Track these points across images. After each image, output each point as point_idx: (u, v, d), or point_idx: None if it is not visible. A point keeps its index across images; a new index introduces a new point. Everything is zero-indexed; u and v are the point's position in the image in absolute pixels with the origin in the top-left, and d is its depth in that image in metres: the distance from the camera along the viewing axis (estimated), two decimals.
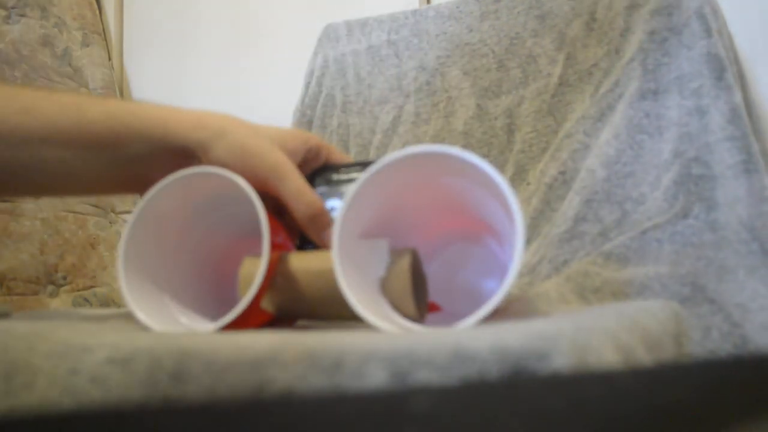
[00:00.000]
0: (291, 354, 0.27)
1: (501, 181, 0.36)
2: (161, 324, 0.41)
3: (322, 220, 0.46)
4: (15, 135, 0.44)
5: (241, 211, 0.44)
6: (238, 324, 0.40)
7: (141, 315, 0.41)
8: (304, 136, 0.50)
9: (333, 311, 0.43)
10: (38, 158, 0.45)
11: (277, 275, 0.43)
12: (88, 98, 0.48)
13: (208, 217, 0.48)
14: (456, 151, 0.37)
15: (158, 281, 0.45)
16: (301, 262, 0.44)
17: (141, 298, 0.42)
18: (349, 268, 0.38)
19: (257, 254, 0.45)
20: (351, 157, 0.53)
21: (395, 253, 0.43)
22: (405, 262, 0.42)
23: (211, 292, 0.49)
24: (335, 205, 0.48)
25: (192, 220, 0.47)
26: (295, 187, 0.46)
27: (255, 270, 0.43)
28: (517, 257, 0.35)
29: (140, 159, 0.46)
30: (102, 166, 0.46)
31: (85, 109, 0.45)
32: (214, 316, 0.47)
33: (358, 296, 0.37)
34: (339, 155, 0.52)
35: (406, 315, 0.41)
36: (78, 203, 1.22)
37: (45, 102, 0.45)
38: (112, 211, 1.28)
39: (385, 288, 0.41)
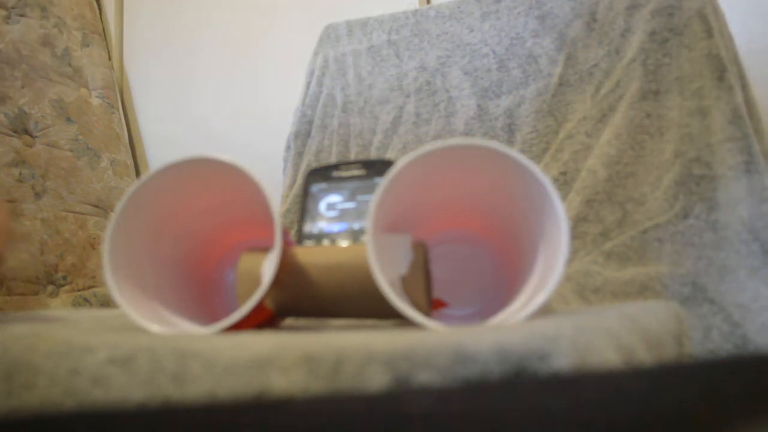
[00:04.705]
0: (290, 357, 0.27)
1: (546, 182, 0.36)
2: (159, 325, 0.40)
3: None
4: None
5: (218, 202, 0.43)
6: (239, 323, 0.40)
7: (138, 318, 0.40)
8: None
9: (347, 307, 0.41)
10: None
11: (280, 271, 0.41)
12: None
13: (184, 213, 0.46)
14: (496, 145, 0.37)
15: (143, 280, 0.43)
16: (308, 257, 0.42)
17: (134, 301, 0.41)
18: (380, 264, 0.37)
19: (250, 247, 0.44)
20: None
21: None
22: (421, 259, 0.41)
23: (193, 282, 0.48)
24: (335, 200, 0.48)
25: (168, 216, 0.45)
26: None
27: (255, 266, 0.42)
28: (563, 254, 0.35)
29: None
30: None
31: None
32: (198, 305, 0.46)
33: (393, 294, 0.36)
34: None
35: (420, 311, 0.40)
36: (78, 203, 1.22)
37: None
38: (112, 211, 1.28)
39: (403, 283, 0.41)
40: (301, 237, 0.47)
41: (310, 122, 1.11)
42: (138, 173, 1.42)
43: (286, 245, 0.43)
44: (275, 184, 1.11)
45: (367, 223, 0.37)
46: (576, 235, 0.77)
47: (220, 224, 0.48)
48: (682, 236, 0.72)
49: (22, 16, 1.26)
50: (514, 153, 0.37)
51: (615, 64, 0.87)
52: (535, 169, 0.36)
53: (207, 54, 1.42)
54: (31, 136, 1.20)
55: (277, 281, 0.41)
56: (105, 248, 0.40)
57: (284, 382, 0.26)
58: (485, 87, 0.98)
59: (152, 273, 0.44)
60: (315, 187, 0.49)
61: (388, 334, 0.34)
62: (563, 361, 0.25)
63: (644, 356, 0.33)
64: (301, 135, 1.11)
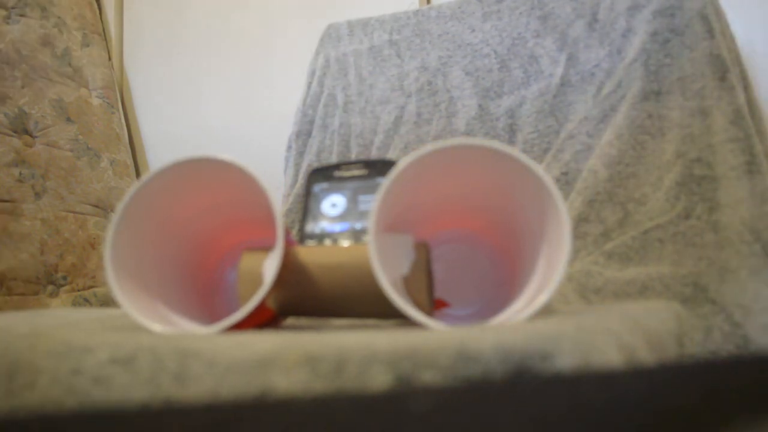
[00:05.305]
0: (292, 357, 0.27)
1: (549, 182, 0.36)
2: (161, 324, 0.40)
3: None
4: None
5: (218, 202, 0.43)
6: (241, 322, 0.40)
7: (140, 318, 0.40)
8: None
9: (349, 307, 0.41)
10: None
11: (282, 270, 0.41)
12: None
13: (185, 213, 0.46)
14: (498, 145, 0.37)
15: (144, 279, 0.43)
16: (310, 256, 0.42)
17: (135, 301, 0.41)
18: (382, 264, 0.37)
19: (251, 247, 0.44)
20: None
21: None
22: (423, 259, 0.41)
23: (194, 282, 0.48)
24: (337, 201, 0.48)
25: (169, 216, 0.45)
26: None
27: (256, 265, 0.41)
28: (565, 254, 0.35)
29: None
30: None
31: None
32: (200, 305, 0.46)
33: (394, 294, 0.36)
34: None
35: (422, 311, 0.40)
36: (78, 203, 1.22)
37: None
38: (112, 211, 1.28)
39: (405, 283, 0.41)
40: (303, 236, 0.47)
41: (311, 122, 1.11)
42: (138, 173, 1.42)
43: (288, 245, 0.43)
44: (276, 184, 1.11)
45: (369, 223, 0.37)
46: (577, 235, 0.77)
47: (221, 224, 0.48)
48: (684, 237, 0.72)
49: (22, 16, 1.26)
50: (516, 153, 0.37)
51: (616, 64, 0.87)
52: (538, 169, 0.36)
53: (207, 54, 1.42)
54: (31, 136, 1.20)
55: (279, 281, 0.41)
56: (107, 248, 0.40)
57: (286, 382, 0.26)
58: (486, 87, 0.98)
59: (154, 272, 0.44)
60: (317, 187, 0.49)
61: (390, 334, 0.34)
62: (565, 361, 0.25)
63: (645, 356, 0.33)
64: (302, 135, 1.11)
